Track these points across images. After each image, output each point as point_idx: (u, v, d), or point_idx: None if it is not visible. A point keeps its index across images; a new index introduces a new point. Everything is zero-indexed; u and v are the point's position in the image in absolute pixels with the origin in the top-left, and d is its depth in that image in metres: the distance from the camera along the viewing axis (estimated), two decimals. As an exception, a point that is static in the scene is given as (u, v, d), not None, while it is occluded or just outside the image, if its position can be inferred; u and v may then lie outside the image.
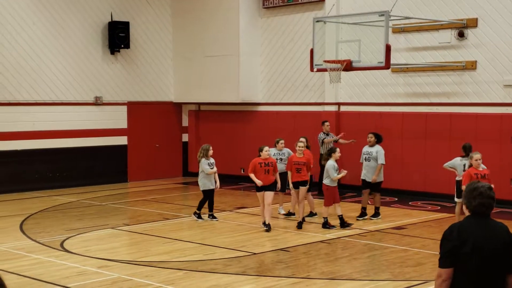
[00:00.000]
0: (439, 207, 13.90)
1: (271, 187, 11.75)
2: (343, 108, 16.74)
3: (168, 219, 13.04)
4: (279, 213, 13.41)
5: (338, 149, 12.05)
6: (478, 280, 4.41)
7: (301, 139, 12.48)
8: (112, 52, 18.33)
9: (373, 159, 12.59)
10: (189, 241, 10.93)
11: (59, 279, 8.59)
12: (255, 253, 10.08)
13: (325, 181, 11.82)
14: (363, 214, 12.73)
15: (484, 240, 4.43)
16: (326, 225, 11.88)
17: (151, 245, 10.68)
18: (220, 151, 19.39)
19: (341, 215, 11.91)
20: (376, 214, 12.77)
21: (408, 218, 13.04)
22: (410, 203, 14.55)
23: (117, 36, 18.02)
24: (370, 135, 12.75)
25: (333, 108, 16.79)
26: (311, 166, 12.41)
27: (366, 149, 12.76)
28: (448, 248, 4.42)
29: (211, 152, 12.57)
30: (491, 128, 14.17)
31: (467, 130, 14.41)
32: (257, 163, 11.73)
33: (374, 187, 12.68)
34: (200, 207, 12.69)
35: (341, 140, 15.14)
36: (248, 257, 9.86)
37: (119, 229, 12.01)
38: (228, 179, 18.30)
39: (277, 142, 13.42)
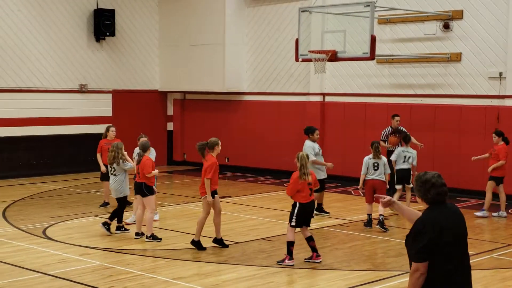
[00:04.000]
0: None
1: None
2: (328, 99, 16.75)
3: (151, 207, 12.99)
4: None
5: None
6: (459, 264, 4.60)
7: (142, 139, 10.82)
8: (98, 40, 18.21)
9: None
10: (172, 229, 10.92)
11: (40, 267, 8.56)
12: (237, 242, 10.10)
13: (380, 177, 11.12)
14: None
15: (454, 225, 4.64)
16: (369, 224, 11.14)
17: (132, 233, 10.64)
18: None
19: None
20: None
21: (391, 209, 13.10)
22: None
23: (103, 24, 17.90)
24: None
25: (318, 99, 16.81)
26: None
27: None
28: (424, 242, 4.52)
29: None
30: (475, 120, 14.26)
31: (451, 122, 14.49)
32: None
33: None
34: (121, 217, 10.65)
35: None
36: (230, 246, 9.87)
37: (102, 217, 11.96)
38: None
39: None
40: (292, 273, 8.50)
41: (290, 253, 8.89)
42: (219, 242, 9.76)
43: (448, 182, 14.14)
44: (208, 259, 9.07)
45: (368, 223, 11.23)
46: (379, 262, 9.07)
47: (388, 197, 4.98)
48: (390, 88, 15.64)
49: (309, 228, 9.10)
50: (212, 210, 9.60)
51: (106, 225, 10.47)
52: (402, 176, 12.20)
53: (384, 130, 14.10)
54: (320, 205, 12.26)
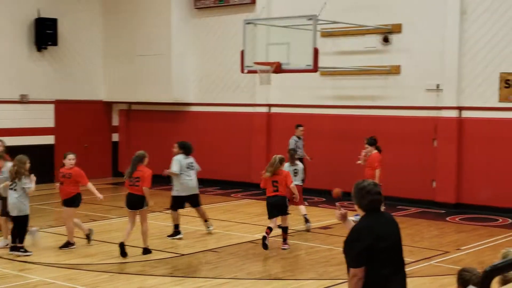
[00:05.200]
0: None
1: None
2: (273, 110, 16.94)
3: (95, 220, 12.86)
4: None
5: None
6: (395, 270, 4.79)
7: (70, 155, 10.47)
8: (39, 49, 17.90)
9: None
10: (116, 243, 10.79)
11: (-22, 284, 8.37)
12: (183, 254, 10.10)
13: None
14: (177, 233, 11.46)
15: (389, 232, 4.84)
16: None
17: (76, 247, 10.50)
18: (151, 151, 19.16)
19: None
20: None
21: (335, 217, 13.33)
22: (336, 203, 14.86)
23: (44, 33, 17.62)
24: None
25: (264, 110, 16.97)
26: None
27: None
28: (361, 248, 4.70)
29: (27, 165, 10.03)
30: (414, 130, 14.67)
31: (391, 133, 14.86)
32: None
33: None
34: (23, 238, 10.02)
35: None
36: (176, 259, 9.87)
37: (43, 231, 11.74)
38: (160, 180, 18.18)
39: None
40: (238, 284, 8.56)
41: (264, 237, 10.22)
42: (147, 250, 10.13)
43: (389, 191, 14.63)
44: (153, 272, 9.05)
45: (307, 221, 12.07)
46: (323, 271, 9.23)
47: (346, 211, 5.17)
48: (333, 100, 15.93)
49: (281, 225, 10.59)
50: (137, 219, 10.04)
51: (18, 249, 9.83)
52: None
53: (291, 139, 14.77)
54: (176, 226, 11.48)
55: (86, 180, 10.39)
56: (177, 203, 11.42)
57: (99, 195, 10.37)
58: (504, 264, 3.20)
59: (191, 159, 11.61)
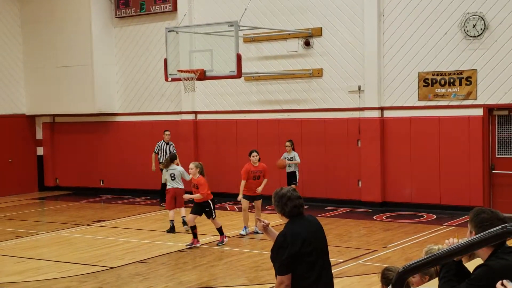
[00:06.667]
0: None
1: None
2: (200, 117, 16.93)
3: (21, 237, 12.50)
4: None
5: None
6: (321, 273, 4.86)
7: None
8: (-45, 64, 17.27)
9: None
10: (43, 259, 10.59)
11: None
12: (112, 267, 9.96)
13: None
14: None
15: (314, 236, 4.89)
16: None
17: (2, 265, 10.22)
18: (78, 163, 18.86)
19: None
20: None
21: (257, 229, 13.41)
22: (266, 207, 14.99)
23: (-40, 47, 17.00)
24: None
25: (191, 117, 16.94)
26: None
27: None
28: (286, 255, 4.73)
29: None
30: (338, 132, 14.97)
31: (316, 135, 15.11)
32: None
33: None
34: None
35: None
36: (105, 272, 9.73)
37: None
38: (87, 192, 17.87)
39: None
40: (168, 294, 8.53)
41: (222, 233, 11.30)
42: None
43: (316, 192, 14.85)
44: (81, 287, 8.88)
45: (172, 229, 12.36)
46: (253, 276, 9.30)
47: (267, 222, 5.21)
48: (258, 105, 16.07)
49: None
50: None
51: None
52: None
53: (158, 144, 15.79)
54: None
55: None
56: None
57: None
58: (417, 265, 3.26)
59: None
